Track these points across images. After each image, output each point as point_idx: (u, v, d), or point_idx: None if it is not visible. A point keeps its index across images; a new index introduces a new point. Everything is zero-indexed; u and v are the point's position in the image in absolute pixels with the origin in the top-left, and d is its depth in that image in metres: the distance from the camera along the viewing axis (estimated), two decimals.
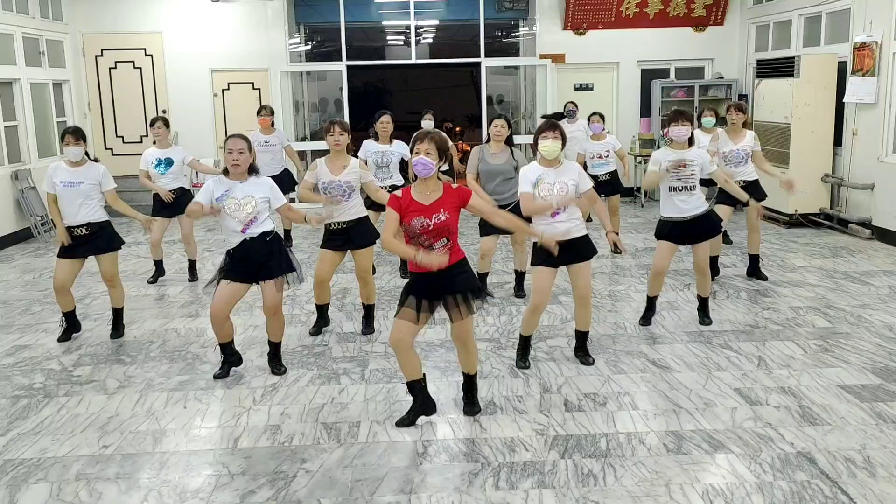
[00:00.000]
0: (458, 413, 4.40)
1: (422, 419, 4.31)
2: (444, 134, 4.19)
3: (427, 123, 9.11)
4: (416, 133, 4.12)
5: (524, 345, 5.19)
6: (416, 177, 4.04)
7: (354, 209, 5.57)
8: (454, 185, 4.09)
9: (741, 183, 6.93)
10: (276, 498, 3.59)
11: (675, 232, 5.66)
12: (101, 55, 12.04)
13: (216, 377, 5.03)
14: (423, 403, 4.28)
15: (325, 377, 5.04)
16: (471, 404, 4.41)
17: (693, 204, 5.59)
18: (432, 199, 3.97)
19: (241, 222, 4.72)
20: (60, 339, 5.87)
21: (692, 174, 5.55)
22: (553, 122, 4.84)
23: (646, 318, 5.98)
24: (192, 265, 7.73)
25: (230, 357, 5.10)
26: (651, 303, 5.98)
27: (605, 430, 4.18)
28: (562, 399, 4.60)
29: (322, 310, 5.94)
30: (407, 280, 4.21)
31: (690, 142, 5.62)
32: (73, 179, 5.60)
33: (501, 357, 5.31)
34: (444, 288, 4.04)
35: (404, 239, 4.06)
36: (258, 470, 3.85)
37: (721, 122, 8.23)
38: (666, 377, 4.91)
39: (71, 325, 5.94)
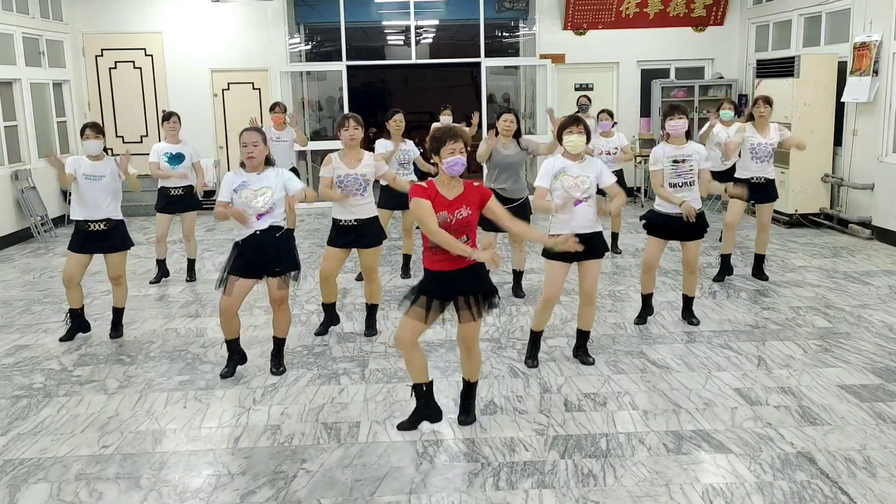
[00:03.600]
0: (458, 413, 4.39)
1: (425, 423, 4.30)
2: (460, 127, 4.12)
3: (445, 119, 9.07)
4: (436, 130, 3.99)
5: (534, 341, 5.18)
6: (421, 174, 4.01)
7: (367, 207, 5.56)
8: (475, 183, 4.02)
9: (761, 180, 6.95)
10: (276, 498, 3.59)
11: (666, 225, 5.71)
12: (101, 55, 12.05)
13: (222, 376, 5.04)
14: (427, 409, 4.22)
15: (325, 377, 5.04)
16: (466, 413, 4.29)
17: (690, 199, 5.61)
18: (454, 194, 3.91)
19: (256, 211, 4.75)
20: (63, 339, 5.87)
21: (691, 169, 5.60)
22: (577, 117, 4.89)
23: (641, 317, 5.99)
24: (190, 264, 7.71)
25: (235, 355, 5.10)
26: (646, 301, 6.00)
27: (605, 430, 4.18)
28: (562, 399, 4.60)
29: (329, 308, 5.90)
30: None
31: (688, 136, 5.68)
32: (95, 173, 5.62)
33: (501, 357, 5.31)
34: (460, 288, 3.96)
35: (425, 236, 3.93)
36: (258, 470, 3.85)
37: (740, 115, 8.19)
38: (666, 377, 4.91)
39: (78, 324, 5.94)
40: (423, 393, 4.19)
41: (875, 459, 3.81)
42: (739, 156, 7.12)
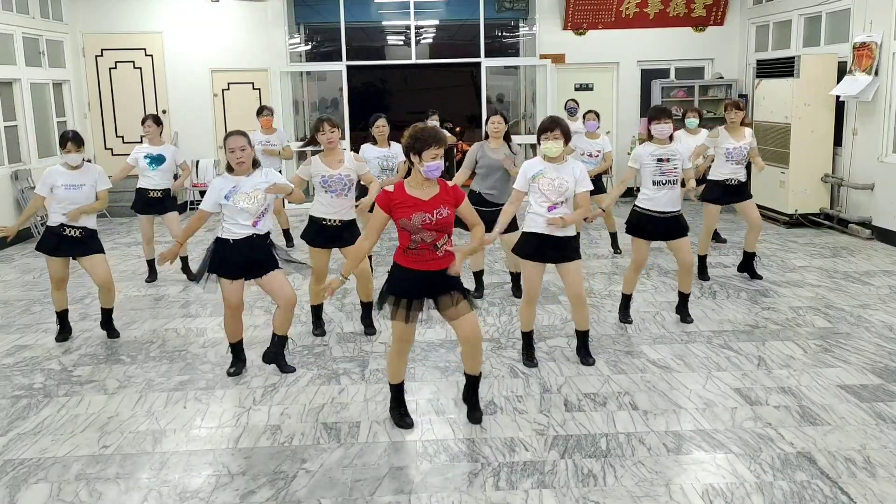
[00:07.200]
0: (458, 413, 4.39)
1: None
2: (443, 131, 4.14)
3: (432, 123, 9.09)
4: (420, 130, 3.90)
5: (527, 342, 5.19)
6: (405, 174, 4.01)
7: (350, 209, 5.58)
8: (449, 184, 4.02)
9: (735, 182, 6.98)
10: (276, 498, 3.59)
11: (647, 227, 5.71)
12: (101, 55, 12.05)
13: (230, 374, 5.08)
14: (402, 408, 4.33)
15: (325, 377, 5.04)
16: (475, 408, 4.31)
17: (672, 198, 5.64)
18: (430, 194, 3.91)
19: (253, 215, 4.76)
20: (58, 339, 5.88)
21: (675, 168, 5.62)
22: (554, 121, 4.83)
23: (626, 315, 6.01)
24: (184, 263, 7.72)
25: (241, 355, 5.15)
26: (626, 300, 6.04)
27: (605, 430, 4.18)
28: (562, 399, 4.60)
29: (317, 310, 5.93)
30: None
31: (670, 137, 5.69)
32: (75, 182, 5.61)
33: (501, 357, 5.31)
34: (435, 288, 3.98)
35: (403, 237, 3.94)
36: (258, 470, 3.85)
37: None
38: (666, 377, 4.91)
39: (62, 326, 5.94)
40: (401, 394, 4.34)
41: (875, 459, 3.81)
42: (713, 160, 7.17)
